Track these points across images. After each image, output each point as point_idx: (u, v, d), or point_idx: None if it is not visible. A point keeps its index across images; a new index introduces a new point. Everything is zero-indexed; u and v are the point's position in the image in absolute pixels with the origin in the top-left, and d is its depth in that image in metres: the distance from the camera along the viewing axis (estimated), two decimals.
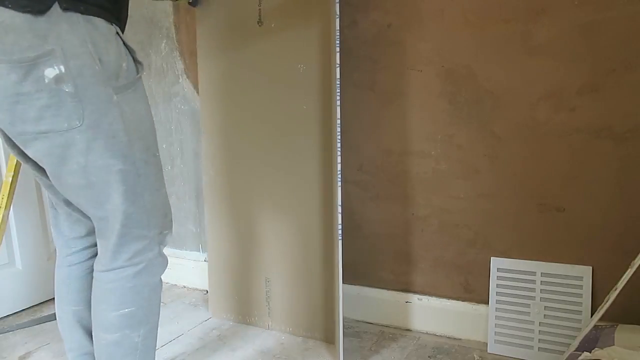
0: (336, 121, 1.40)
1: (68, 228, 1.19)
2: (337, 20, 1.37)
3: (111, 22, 0.96)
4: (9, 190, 1.47)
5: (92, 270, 1.12)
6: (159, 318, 1.16)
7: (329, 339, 1.63)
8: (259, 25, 1.60)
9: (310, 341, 1.66)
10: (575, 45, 1.36)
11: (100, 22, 0.93)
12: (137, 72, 1.01)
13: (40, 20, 0.87)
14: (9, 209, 1.48)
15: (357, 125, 1.72)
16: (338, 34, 1.37)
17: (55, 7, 0.88)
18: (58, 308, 1.23)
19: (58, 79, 0.88)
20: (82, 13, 0.90)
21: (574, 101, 1.38)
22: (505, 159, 1.50)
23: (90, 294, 1.12)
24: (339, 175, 1.41)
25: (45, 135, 0.92)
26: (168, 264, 1.14)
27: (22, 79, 0.88)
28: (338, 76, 1.39)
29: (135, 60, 1.02)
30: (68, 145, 0.93)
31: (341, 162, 1.43)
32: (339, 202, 1.42)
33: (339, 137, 1.40)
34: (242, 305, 1.79)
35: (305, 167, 1.60)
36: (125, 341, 1.07)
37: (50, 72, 0.88)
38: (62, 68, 0.88)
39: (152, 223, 1.06)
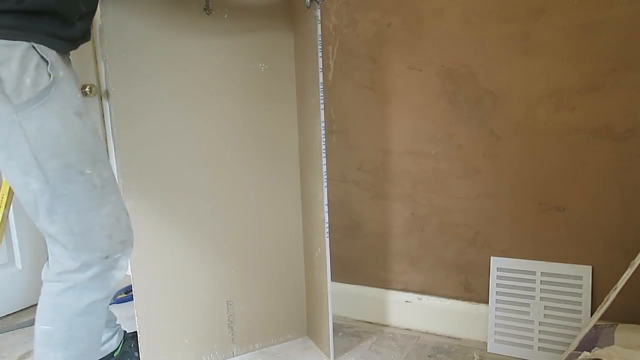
0: (320, 124, 1.41)
1: None
2: (319, 26, 1.36)
3: (14, 38, 0.91)
4: (9, 189, 1.46)
5: None
6: (90, 347, 1.09)
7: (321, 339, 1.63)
8: (207, 14, 1.39)
9: (309, 341, 1.66)
10: (575, 45, 1.36)
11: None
12: (49, 85, 0.94)
13: None
14: (9, 208, 1.46)
15: (357, 125, 1.72)
16: (320, 39, 1.36)
17: None
18: None
19: None
20: None
21: (574, 101, 1.38)
22: (505, 158, 1.50)
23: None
24: (325, 176, 1.42)
25: None
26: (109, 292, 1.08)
27: None
28: (321, 80, 1.39)
29: (50, 71, 0.94)
30: None
31: (326, 164, 1.43)
32: (325, 202, 1.43)
33: (324, 139, 1.41)
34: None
35: (276, 175, 1.56)
36: (44, 358, 1.05)
37: None
38: None
39: (84, 247, 1.01)
